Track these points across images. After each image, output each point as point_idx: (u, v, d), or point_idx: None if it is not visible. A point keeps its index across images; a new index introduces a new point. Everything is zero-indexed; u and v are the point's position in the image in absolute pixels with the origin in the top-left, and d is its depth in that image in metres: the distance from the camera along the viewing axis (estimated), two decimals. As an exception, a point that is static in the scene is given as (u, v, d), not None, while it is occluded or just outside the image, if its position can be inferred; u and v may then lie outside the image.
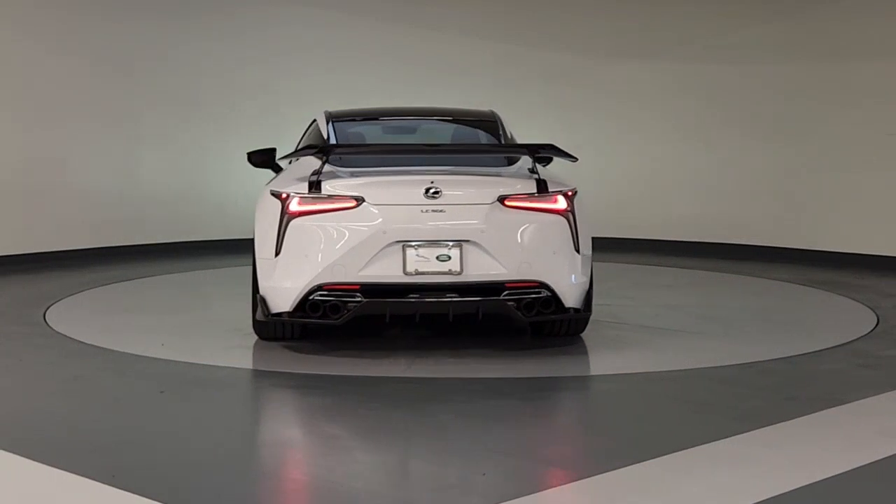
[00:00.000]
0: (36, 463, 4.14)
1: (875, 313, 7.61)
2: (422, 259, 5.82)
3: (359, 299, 5.83)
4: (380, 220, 5.84)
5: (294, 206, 5.92)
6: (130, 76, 10.92)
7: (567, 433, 4.77)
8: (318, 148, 6.15)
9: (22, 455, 4.22)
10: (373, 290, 5.85)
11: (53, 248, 10.23)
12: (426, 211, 5.86)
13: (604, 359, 6.30)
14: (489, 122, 7.15)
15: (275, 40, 11.80)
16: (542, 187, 6.01)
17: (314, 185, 5.91)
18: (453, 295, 5.88)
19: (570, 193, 6.11)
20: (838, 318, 7.66)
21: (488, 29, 12.23)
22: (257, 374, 5.78)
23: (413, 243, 5.83)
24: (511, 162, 6.40)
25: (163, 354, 6.16)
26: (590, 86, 12.09)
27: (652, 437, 4.60)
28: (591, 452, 4.42)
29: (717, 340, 6.75)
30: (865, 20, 10.38)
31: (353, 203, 5.88)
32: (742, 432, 4.59)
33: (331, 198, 5.90)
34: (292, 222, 5.92)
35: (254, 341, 6.52)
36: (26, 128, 10.10)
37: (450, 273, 5.83)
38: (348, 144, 6.63)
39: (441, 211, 5.86)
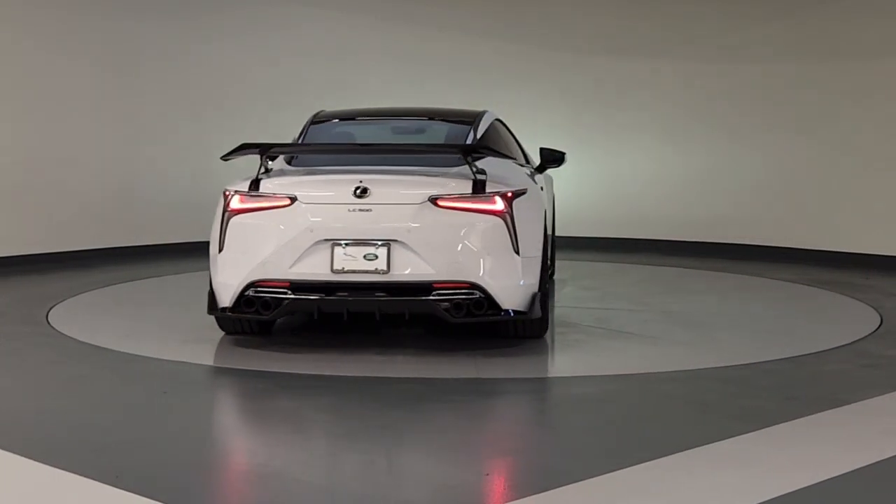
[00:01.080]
0: (38, 463, 4.14)
1: (879, 313, 7.60)
2: (349, 258, 5.89)
3: (289, 296, 5.95)
4: (309, 218, 5.95)
5: (234, 203, 6.12)
6: (135, 77, 10.92)
7: (568, 433, 4.77)
8: (256, 146, 6.24)
9: (24, 455, 4.22)
10: (302, 287, 5.97)
11: (57, 248, 10.23)
12: (353, 210, 5.92)
13: (597, 360, 6.32)
14: (465, 123, 7.15)
15: (279, 40, 11.81)
16: (478, 188, 5.96)
17: (254, 184, 6.10)
18: (382, 294, 5.93)
19: (509, 195, 6.02)
20: (842, 318, 7.66)
21: (494, 28, 12.21)
22: (259, 375, 5.77)
23: (342, 242, 5.90)
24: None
25: (165, 355, 6.16)
26: (591, 85, 12.08)
27: (654, 438, 4.59)
28: (593, 452, 4.41)
29: (693, 347, 6.74)
30: (867, 20, 10.37)
31: (287, 202, 6.01)
32: (745, 432, 4.58)
33: (267, 196, 6.05)
34: (232, 220, 6.12)
35: (257, 341, 6.52)
36: (30, 128, 10.10)
37: (376, 272, 5.88)
38: (287, 144, 6.65)
39: (368, 210, 5.91)
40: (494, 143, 7.13)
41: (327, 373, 5.79)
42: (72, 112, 10.42)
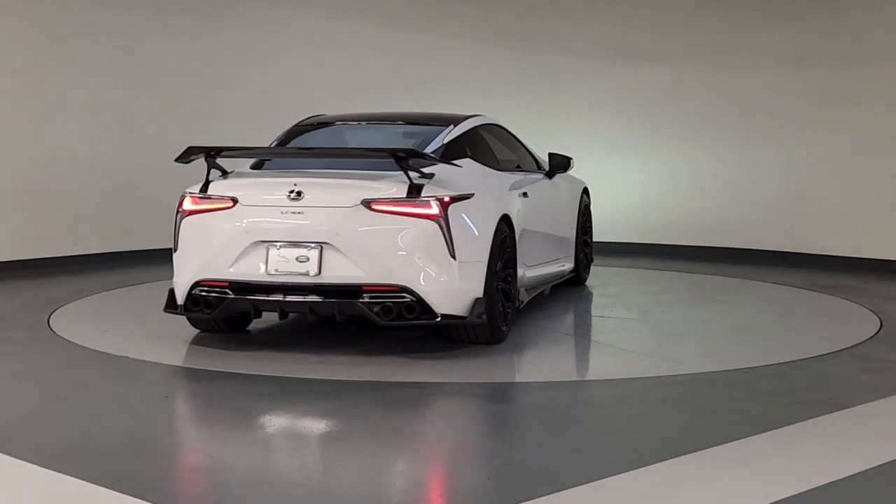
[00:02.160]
0: (40, 468, 4.14)
1: (878, 317, 7.60)
2: (282, 259, 6.02)
3: (229, 296, 6.15)
4: (246, 220, 6.13)
5: (186, 205, 6.37)
6: (133, 80, 10.91)
7: (570, 437, 4.77)
8: (202, 150, 6.40)
9: (26, 460, 4.22)
10: (240, 287, 6.15)
11: (58, 253, 10.23)
12: (286, 212, 6.06)
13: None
14: (435, 128, 7.10)
15: (280, 45, 11.80)
16: (413, 192, 5.97)
17: (205, 186, 6.33)
18: (314, 296, 6.02)
19: (446, 199, 6.01)
20: (842, 322, 7.66)
21: (494, 33, 12.21)
22: (261, 380, 5.77)
23: (277, 243, 6.04)
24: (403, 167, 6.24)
25: (166, 360, 6.16)
26: (586, 91, 12.06)
27: (656, 441, 4.60)
28: (596, 456, 4.41)
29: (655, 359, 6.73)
30: (866, 24, 10.37)
31: (230, 203, 6.20)
32: (746, 436, 4.59)
33: (213, 198, 6.28)
34: (184, 221, 6.36)
35: (257, 345, 6.53)
36: (29, 133, 10.09)
37: (307, 274, 5.98)
38: (231, 147, 6.78)
39: (300, 213, 6.03)
40: (474, 146, 7.11)
41: (329, 377, 5.78)
42: (71, 116, 10.41)
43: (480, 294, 6.14)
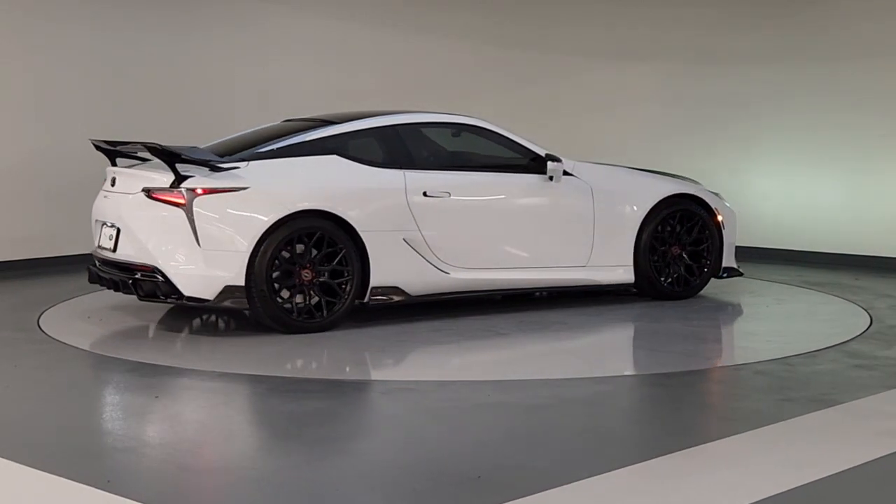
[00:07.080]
0: (30, 469, 4.14)
1: (869, 314, 7.62)
2: (104, 237, 7.10)
3: (93, 267, 7.25)
4: (97, 202, 7.33)
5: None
6: (126, 80, 10.88)
7: (560, 435, 4.77)
8: (96, 143, 7.45)
9: (16, 461, 4.22)
10: (96, 260, 7.26)
11: (47, 254, 10.20)
12: (105, 197, 7.22)
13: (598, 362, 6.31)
14: (315, 125, 7.36)
15: (272, 45, 11.79)
16: (175, 183, 6.63)
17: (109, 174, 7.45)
18: (116, 271, 6.95)
19: (198, 191, 6.58)
20: (833, 319, 7.67)
21: (487, 34, 12.22)
22: (253, 379, 5.77)
23: (106, 224, 7.10)
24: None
25: (157, 360, 6.15)
26: (574, 91, 12.08)
27: (647, 438, 4.60)
28: (586, 454, 4.42)
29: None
30: (860, 22, 10.40)
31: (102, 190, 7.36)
32: (737, 433, 4.60)
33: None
34: None
35: (253, 345, 6.52)
36: (20, 131, 10.07)
37: (111, 251, 6.98)
38: (121, 141, 7.45)
39: (108, 198, 7.14)
40: (365, 143, 7.26)
41: (316, 377, 5.81)
42: (61, 115, 10.39)
43: (238, 283, 6.56)
